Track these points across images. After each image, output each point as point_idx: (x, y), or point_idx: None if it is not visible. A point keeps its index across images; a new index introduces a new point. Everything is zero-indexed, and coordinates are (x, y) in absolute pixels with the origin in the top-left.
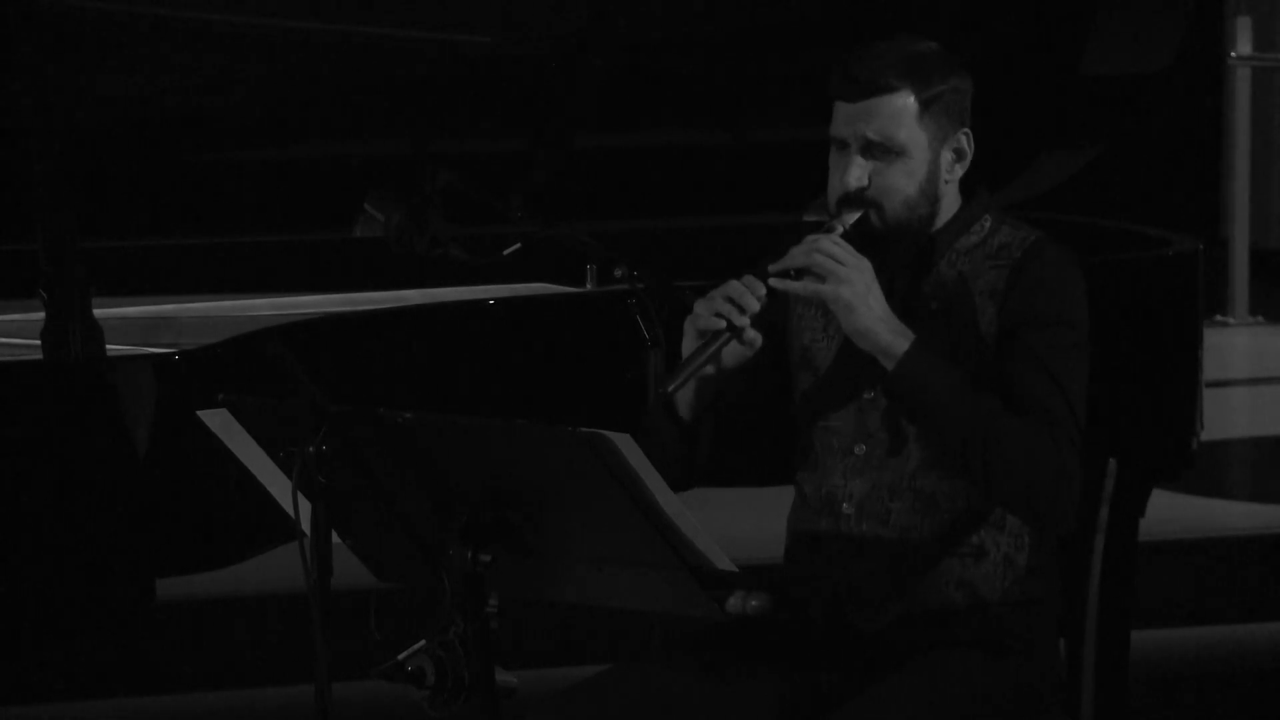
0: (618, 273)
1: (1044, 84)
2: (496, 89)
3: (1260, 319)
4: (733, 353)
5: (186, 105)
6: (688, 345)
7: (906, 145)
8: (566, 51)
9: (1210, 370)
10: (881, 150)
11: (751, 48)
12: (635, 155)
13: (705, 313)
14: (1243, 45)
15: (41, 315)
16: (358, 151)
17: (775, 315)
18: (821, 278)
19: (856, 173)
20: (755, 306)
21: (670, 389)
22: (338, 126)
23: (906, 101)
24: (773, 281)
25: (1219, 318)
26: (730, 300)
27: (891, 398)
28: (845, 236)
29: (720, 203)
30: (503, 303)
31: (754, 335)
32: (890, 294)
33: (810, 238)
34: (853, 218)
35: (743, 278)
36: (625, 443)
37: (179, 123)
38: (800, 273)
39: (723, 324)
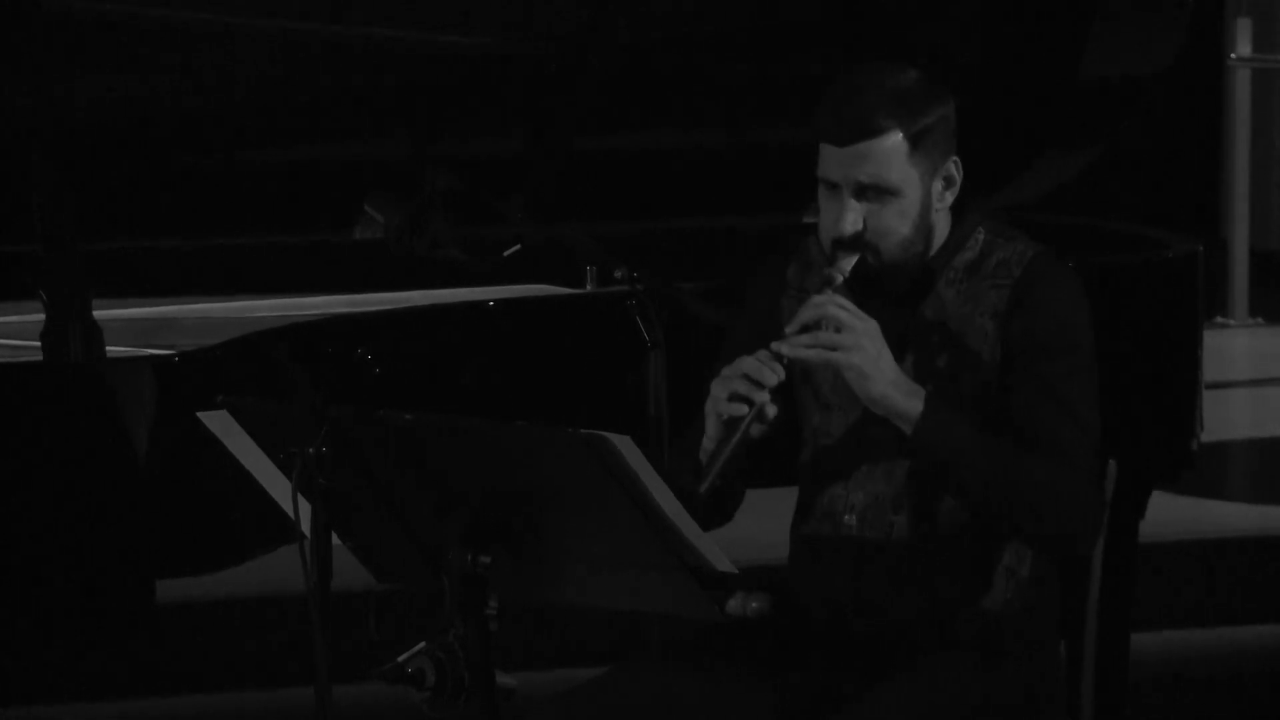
0: (617, 274)
1: (1044, 85)
2: (496, 90)
3: (1260, 320)
4: (755, 427)
5: (186, 107)
6: (710, 429)
7: (899, 185)
8: (566, 53)
9: (1210, 372)
10: (875, 192)
11: (751, 49)
12: (635, 157)
13: (723, 394)
14: (1242, 47)
15: (41, 316)
16: (358, 153)
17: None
18: (833, 346)
19: (851, 218)
20: (773, 381)
21: (703, 489)
22: (338, 128)
23: (896, 141)
24: (786, 349)
25: (1219, 319)
26: (748, 378)
27: (911, 457)
28: (845, 283)
29: (720, 204)
30: (503, 304)
31: (774, 410)
32: (891, 323)
33: (814, 301)
34: (849, 262)
35: (756, 354)
36: (625, 444)
37: (178, 124)
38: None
39: (745, 409)
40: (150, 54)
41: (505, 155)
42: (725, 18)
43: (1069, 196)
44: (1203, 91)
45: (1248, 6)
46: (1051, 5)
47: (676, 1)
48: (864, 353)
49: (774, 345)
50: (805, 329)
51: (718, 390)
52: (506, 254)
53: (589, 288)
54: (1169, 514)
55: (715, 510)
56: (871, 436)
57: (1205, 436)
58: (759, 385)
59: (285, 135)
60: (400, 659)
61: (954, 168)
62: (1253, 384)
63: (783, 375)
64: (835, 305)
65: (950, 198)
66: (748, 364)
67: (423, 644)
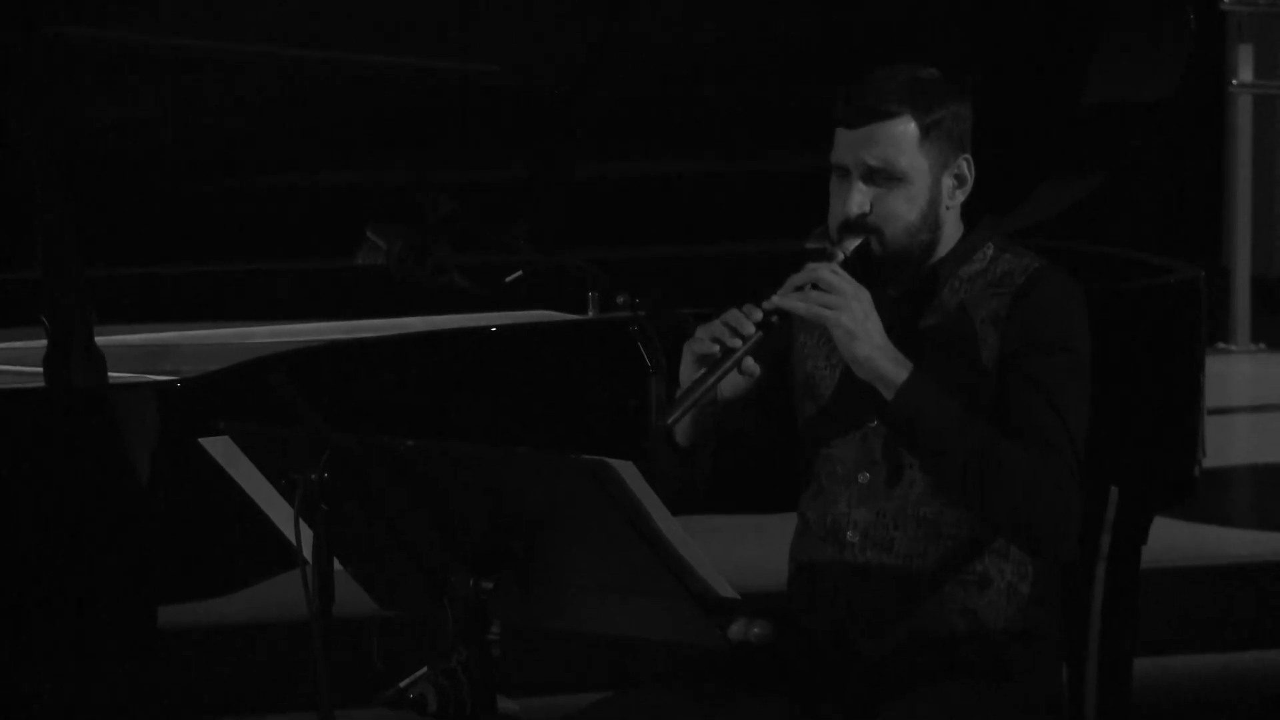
0: (620, 300)
1: (1046, 112)
2: (499, 116)
3: (1262, 346)
4: (730, 383)
5: (188, 133)
6: (685, 371)
7: (908, 171)
8: (569, 80)
9: (1212, 397)
10: (883, 176)
11: (755, 77)
12: (637, 183)
13: (704, 337)
14: (1244, 73)
15: (43, 342)
16: (360, 179)
17: (778, 344)
18: (823, 304)
19: (858, 199)
20: (750, 329)
21: (669, 421)
22: (341, 154)
23: (907, 127)
24: (775, 298)
25: (1221, 345)
26: (726, 325)
27: (890, 426)
28: (846, 263)
29: (722, 230)
30: (505, 330)
31: (751, 365)
32: (892, 323)
33: (810, 266)
34: (853, 244)
35: (742, 307)
36: (628, 470)
37: (181, 150)
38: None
39: (716, 349)
40: (153, 80)
41: (508, 181)
42: (728, 45)
43: (1071, 222)
44: (1204, 118)
45: (1249, 33)
46: (1053, 32)
47: (680, 29)
48: (852, 313)
49: (772, 298)
50: (798, 290)
51: (700, 333)
52: (509, 280)
53: (591, 313)
54: (1171, 539)
55: (681, 459)
56: (875, 453)
57: (1207, 462)
58: (734, 333)
59: (288, 161)
60: (403, 684)
61: (965, 166)
62: (1254, 410)
63: (750, 330)
64: (828, 270)
65: (961, 196)
66: (729, 313)
67: (425, 669)
